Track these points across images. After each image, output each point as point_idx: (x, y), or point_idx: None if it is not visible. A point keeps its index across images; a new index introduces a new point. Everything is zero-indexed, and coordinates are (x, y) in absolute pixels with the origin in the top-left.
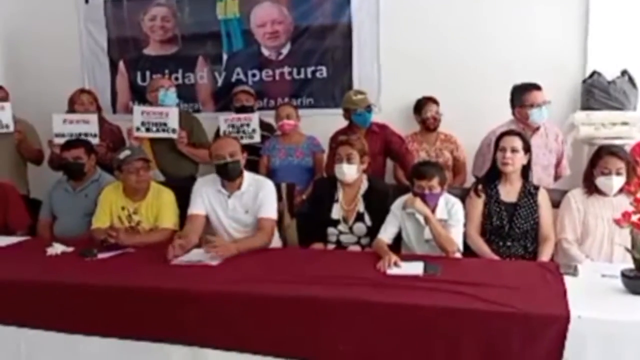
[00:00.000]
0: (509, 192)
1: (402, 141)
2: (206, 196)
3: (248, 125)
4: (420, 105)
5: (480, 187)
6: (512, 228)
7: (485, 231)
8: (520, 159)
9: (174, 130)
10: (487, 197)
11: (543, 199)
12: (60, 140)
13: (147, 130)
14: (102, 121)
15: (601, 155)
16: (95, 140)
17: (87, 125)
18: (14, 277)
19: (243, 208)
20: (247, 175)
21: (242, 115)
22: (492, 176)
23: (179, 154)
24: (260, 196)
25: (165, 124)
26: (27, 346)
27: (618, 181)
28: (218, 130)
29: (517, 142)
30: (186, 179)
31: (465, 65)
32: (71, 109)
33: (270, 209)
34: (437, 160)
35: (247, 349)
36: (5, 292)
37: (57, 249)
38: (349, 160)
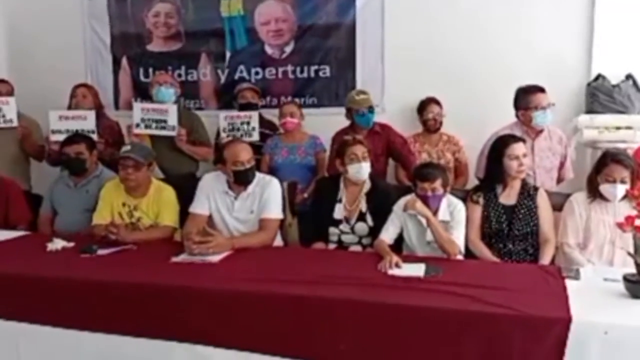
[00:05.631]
0: (508, 194)
1: (405, 142)
2: (212, 197)
3: (248, 123)
4: (423, 106)
5: (478, 193)
6: (511, 230)
7: (485, 234)
8: (528, 162)
9: (173, 128)
10: (486, 200)
11: (542, 200)
12: (58, 137)
13: (147, 127)
14: (101, 116)
15: (606, 163)
16: (93, 137)
17: (84, 122)
18: (14, 272)
19: (249, 209)
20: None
21: (242, 113)
22: (492, 180)
23: (178, 152)
24: (264, 196)
25: (164, 121)
26: (26, 341)
27: (622, 189)
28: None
29: (524, 148)
30: (186, 176)
31: (469, 67)
32: (70, 103)
33: (273, 209)
34: (439, 161)
35: (247, 348)
36: (4, 287)
37: (57, 244)
38: (365, 159)
